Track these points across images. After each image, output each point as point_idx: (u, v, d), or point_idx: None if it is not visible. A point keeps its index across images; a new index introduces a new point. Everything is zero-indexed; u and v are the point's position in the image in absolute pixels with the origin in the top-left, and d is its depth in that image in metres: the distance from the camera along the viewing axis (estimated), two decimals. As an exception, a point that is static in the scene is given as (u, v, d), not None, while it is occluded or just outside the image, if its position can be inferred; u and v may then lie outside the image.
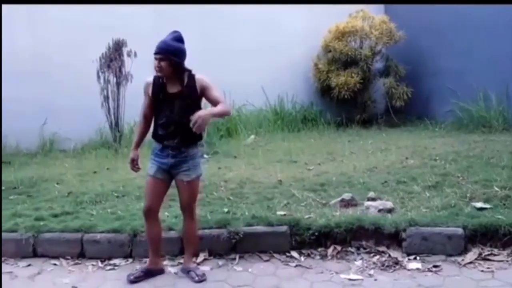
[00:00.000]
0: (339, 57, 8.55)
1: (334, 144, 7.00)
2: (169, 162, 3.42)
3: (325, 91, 8.87)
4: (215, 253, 3.82)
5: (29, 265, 3.83)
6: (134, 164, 3.66)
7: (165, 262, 3.75)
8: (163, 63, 3.28)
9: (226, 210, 4.22)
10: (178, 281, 3.47)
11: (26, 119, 7.35)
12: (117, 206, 4.47)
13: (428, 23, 8.42)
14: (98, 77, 7.12)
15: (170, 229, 3.90)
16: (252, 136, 7.56)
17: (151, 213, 3.51)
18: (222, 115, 3.51)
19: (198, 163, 3.46)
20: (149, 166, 3.52)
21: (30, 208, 4.51)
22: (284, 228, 3.84)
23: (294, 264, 3.65)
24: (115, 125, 7.31)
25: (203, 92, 3.38)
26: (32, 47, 7.53)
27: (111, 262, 3.80)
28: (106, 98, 7.18)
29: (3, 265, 3.85)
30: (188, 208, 3.52)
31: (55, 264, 3.82)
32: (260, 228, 3.86)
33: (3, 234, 4.02)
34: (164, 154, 3.43)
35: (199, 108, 3.37)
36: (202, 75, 3.43)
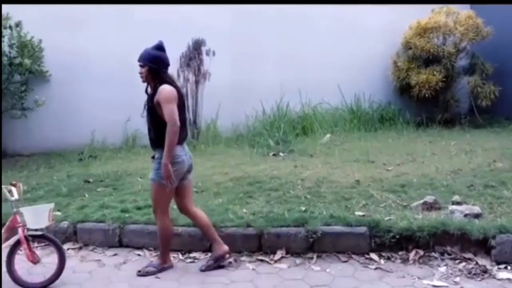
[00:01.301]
0: (420, 54, 8.21)
1: (413, 145, 6.74)
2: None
3: (404, 89, 8.56)
4: (292, 252, 3.82)
5: (115, 254, 4.05)
6: None
7: (242, 258, 3.80)
8: (143, 70, 3.54)
9: (303, 208, 4.20)
10: (256, 277, 3.50)
11: (112, 116, 7.74)
12: (196, 201, 4.51)
13: (519, 18, 7.88)
14: (178, 75, 7.33)
15: (248, 225, 3.94)
16: (328, 135, 7.45)
17: (180, 211, 3.81)
18: (171, 149, 3.41)
19: (158, 168, 3.50)
20: None
21: (116, 200, 4.74)
22: (363, 229, 3.76)
23: (373, 267, 3.56)
24: (193, 122, 7.50)
25: (159, 103, 3.45)
26: (118, 47, 7.88)
27: (191, 255, 3.93)
28: (185, 96, 7.39)
29: (92, 253, 4.10)
30: (153, 208, 3.70)
31: (139, 255, 4.01)
32: (338, 228, 3.81)
33: (92, 224, 4.28)
34: None
35: (158, 116, 3.48)
36: (165, 86, 3.47)
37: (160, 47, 3.62)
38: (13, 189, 3.53)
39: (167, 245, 3.71)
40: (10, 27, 7.07)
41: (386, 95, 8.80)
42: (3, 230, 3.54)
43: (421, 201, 4.14)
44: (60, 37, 7.55)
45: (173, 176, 3.43)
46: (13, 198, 3.48)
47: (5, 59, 6.99)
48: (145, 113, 3.69)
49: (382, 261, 3.62)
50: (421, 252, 3.63)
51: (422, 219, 3.80)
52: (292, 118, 8.12)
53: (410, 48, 8.35)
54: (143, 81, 3.62)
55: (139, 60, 3.56)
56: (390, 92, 8.79)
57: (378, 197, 4.41)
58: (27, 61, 7.06)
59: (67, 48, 7.62)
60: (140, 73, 3.56)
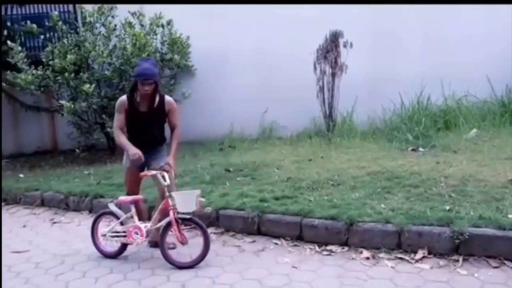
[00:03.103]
0: None
1: None
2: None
3: None
4: (434, 252, 3.61)
5: (253, 241, 4.21)
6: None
7: (381, 255, 3.70)
8: (152, 87, 3.83)
9: (447, 207, 3.94)
10: (395, 276, 3.38)
11: (250, 107, 8.04)
12: (333, 194, 4.55)
13: None
14: (315, 68, 7.35)
15: (387, 222, 3.81)
16: (474, 130, 6.88)
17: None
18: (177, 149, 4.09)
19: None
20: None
21: (255, 190, 4.91)
22: (519, 234, 3.42)
23: (530, 276, 3.22)
24: (329, 115, 7.47)
25: (169, 111, 4.04)
26: (257, 42, 8.16)
27: (328, 248, 3.91)
28: (321, 88, 7.37)
29: (232, 239, 4.31)
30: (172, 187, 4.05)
31: (276, 244, 4.11)
32: (488, 231, 3.50)
33: (232, 211, 4.50)
34: None
35: (165, 121, 4.12)
36: (170, 98, 4.10)
37: (155, 64, 4.13)
38: (166, 174, 3.85)
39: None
40: (162, 26, 7.69)
41: (546, 87, 7.87)
42: (156, 212, 3.89)
43: None
44: (203, 33, 8.03)
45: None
46: (165, 183, 3.80)
47: (157, 55, 7.64)
48: (143, 124, 3.99)
49: (541, 271, 3.26)
50: None
51: None
52: (433, 111, 7.66)
53: None
54: (149, 97, 3.90)
55: (150, 78, 3.79)
56: (550, 83, 7.84)
57: (535, 200, 3.97)
58: (176, 57, 7.63)
59: (210, 43, 8.08)
60: (147, 90, 3.81)
